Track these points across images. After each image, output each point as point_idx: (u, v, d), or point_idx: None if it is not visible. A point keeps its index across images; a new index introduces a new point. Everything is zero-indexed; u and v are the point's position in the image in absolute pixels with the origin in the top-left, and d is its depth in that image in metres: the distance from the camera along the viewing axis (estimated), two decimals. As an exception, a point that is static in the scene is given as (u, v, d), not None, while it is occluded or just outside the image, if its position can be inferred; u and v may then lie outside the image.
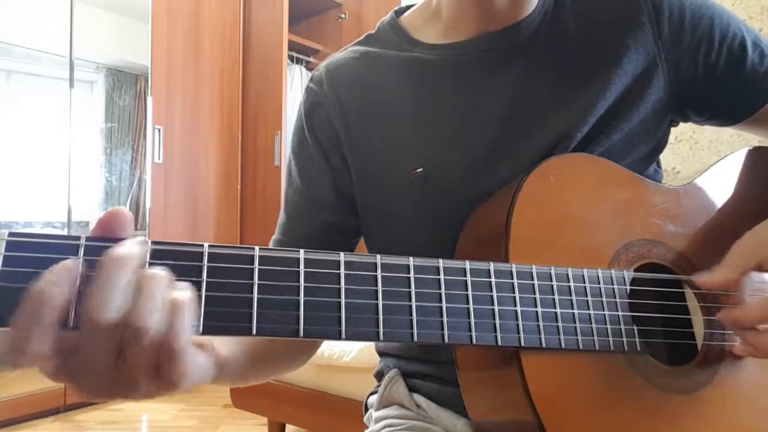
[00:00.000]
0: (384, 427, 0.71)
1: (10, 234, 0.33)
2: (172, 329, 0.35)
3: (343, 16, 3.72)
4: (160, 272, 0.36)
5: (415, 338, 0.42)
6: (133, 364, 0.35)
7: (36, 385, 2.53)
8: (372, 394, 0.80)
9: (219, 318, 0.37)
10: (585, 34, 0.65)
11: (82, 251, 0.35)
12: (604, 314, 0.51)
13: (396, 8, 0.77)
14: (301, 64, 3.69)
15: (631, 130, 0.64)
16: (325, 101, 0.72)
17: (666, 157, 0.71)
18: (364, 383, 1.57)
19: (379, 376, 0.79)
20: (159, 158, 2.96)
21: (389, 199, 0.68)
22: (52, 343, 0.33)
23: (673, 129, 0.71)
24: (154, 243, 0.37)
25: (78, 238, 0.35)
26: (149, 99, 2.94)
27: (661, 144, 0.69)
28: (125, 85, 3.08)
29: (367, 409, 0.81)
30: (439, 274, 0.44)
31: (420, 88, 0.68)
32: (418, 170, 0.64)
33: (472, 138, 0.64)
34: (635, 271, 0.56)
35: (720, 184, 0.66)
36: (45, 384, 2.56)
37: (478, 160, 0.64)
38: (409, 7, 0.76)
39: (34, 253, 0.34)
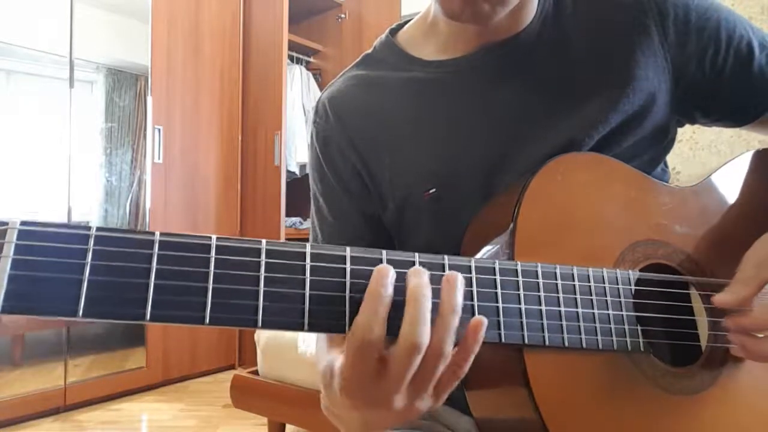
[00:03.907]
0: (386, 426, 0.71)
1: (22, 223, 0.34)
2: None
3: (343, 16, 3.73)
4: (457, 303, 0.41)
5: None
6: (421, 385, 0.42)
7: (36, 385, 2.53)
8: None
9: (226, 310, 0.38)
10: (588, 41, 0.64)
11: (92, 242, 0.35)
12: (608, 314, 0.51)
13: (391, 27, 0.76)
14: (301, 64, 3.69)
15: (641, 136, 0.63)
16: (334, 134, 0.71)
17: (666, 157, 0.71)
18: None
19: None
20: (159, 158, 2.96)
21: (407, 219, 0.67)
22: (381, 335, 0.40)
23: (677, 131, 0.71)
24: (163, 234, 0.37)
25: (88, 227, 0.36)
26: (149, 99, 2.94)
27: (669, 145, 0.68)
28: (125, 85, 3.08)
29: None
30: (443, 271, 0.44)
31: (423, 108, 0.67)
32: (431, 191, 0.64)
33: (479, 153, 0.64)
34: (641, 271, 0.55)
35: (728, 186, 0.66)
36: (45, 384, 2.56)
37: (486, 176, 0.63)
38: (403, 24, 0.75)
39: (45, 242, 0.35)
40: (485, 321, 0.42)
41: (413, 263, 0.43)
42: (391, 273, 0.41)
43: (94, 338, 2.92)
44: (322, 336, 0.57)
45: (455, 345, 0.42)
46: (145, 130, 3.01)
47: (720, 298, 0.54)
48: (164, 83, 3.00)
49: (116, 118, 3.05)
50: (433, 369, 0.41)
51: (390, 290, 0.40)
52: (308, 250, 0.40)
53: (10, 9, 2.56)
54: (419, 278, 0.41)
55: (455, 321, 0.41)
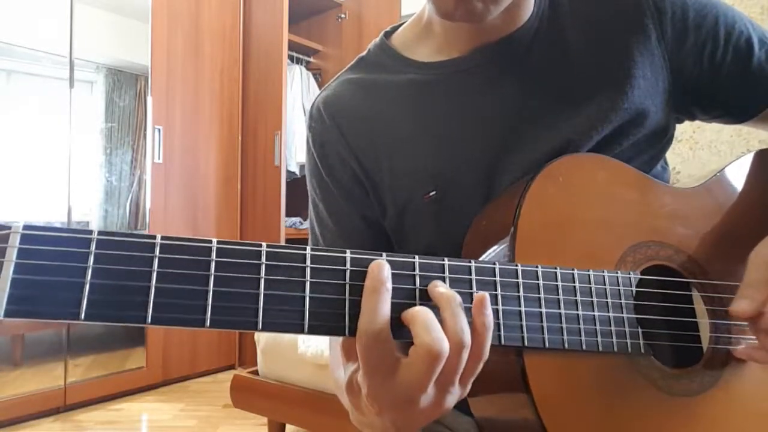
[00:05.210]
0: (386, 426, 0.71)
1: (25, 227, 0.34)
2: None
3: (343, 16, 3.73)
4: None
5: None
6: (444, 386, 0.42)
7: (36, 385, 2.53)
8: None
9: (227, 313, 0.38)
10: (586, 41, 0.64)
11: (93, 245, 0.36)
12: (609, 315, 0.51)
13: (385, 29, 0.75)
14: (301, 64, 3.69)
15: (641, 136, 0.63)
16: (332, 139, 0.70)
17: (666, 157, 0.71)
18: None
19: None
20: (159, 158, 2.96)
21: (406, 223, 0.67)
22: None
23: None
24: (164, 238, 0.38)
25: (90, 232, 0.36)
26: (149, 99, 2.94)
27: (668, 143, 0.68)
28: (125, 85, 3.08)
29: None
30: (444, 272, 0.44)
31: (420, 110, 0.67)
32: (431, 194, 0.64)
33: (478, 154, 0.63)
34: (642, 272, 0.55)
35: (731, 187, 0.66)
36: (45, 384, 2.56)
37: (485, 176, 0.63)
38: (398, 27, 0.75)
39: (47, 246, 0.35)
40: (486, 294, 0.43)
41: (413, 265, 0.43)
42: (387, 267, 0.41)
43: (94, 338, 2.92)
44: (336, 350, 0.57)
45: None
46: (145, 130, 3.01)
47: (738, 308, 0.53)
48: (164, 83, 3.00)
49: (116, 118, 3.05)
50: (456, 364, 0.41)
51: (388, 284, 0.40)
52: (308, 252, 0.41)
53: (10, 9, 2.56)
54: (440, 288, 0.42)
55: (460, 308, 0.42)
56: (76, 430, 2.43)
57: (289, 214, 3.39)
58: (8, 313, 0.33)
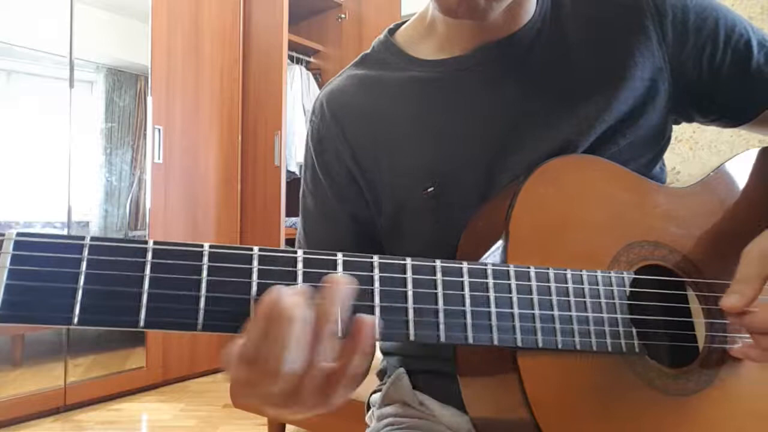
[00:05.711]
0: (386, 426, 0.71)
1: (18, 234, 0.35)
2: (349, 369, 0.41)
3: (343, 16, 3.72)
4: (333, 321, 0.39)
5: (412, 337, 0.43)
6: (306, 399, 0.42)
7: (36, 385, 2.54)
8: (375, 392, 0.80)
9: (219, 317, 0.39)
10: (587, 41, 0.64)
11: (86, 251, 0.36)
12: (603, 316, 0.51)
13: (389, 26, 0.76)
14: (301, 64, 3.69)
15: (638, 136, 0.63)
16: (330, 134, 0.70)
17: (666, 157, 0.71)
18: (364, 382, 1.56)
19: (382, 374, 0.80)
20: (159, 158, 2.96)
21: (404, 221, 0.67)
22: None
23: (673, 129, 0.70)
24: (156, 243, 0.38)
25: (83, 238, 0.36)
26: (149, 99, 2.94)
27: (666, 144, 0.68)
28: (125, 85, 3.08)
29: (369, 407, 0.81)
30: (435, 275, 0.44)
31: (421, 107, 0.67)
32: (429, 190, 0.64)
33: (477, 152, 0.64)
34: (637, 272, 0.55)
35: (724, 186, 0.66)
36: (45, 384, 2.56)
37: (484, 174, 0.63)
38: (401, 24, 0.75)
39: (41, 252, 0.35)
40: (369, 322, 0.41)
41: (403, 267, 0.43)
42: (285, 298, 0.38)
43: (94, 338, 2.93)
44: None
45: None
46: (145, 130, 3.01)
47: (728, 302, 0.52)
48: (164, 83, 3.00)
49: (116, 118, 3.05)
50: (309, 387, 0.40)
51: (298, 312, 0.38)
52: (299, 255, 0.41)
53: (10, 9, 2.56)
54: (294, 299, 0.38)
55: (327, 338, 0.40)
56: (76, 430, 2.43)
57: (289, 214, 3.39)
58: (1, 319, 0.34)
